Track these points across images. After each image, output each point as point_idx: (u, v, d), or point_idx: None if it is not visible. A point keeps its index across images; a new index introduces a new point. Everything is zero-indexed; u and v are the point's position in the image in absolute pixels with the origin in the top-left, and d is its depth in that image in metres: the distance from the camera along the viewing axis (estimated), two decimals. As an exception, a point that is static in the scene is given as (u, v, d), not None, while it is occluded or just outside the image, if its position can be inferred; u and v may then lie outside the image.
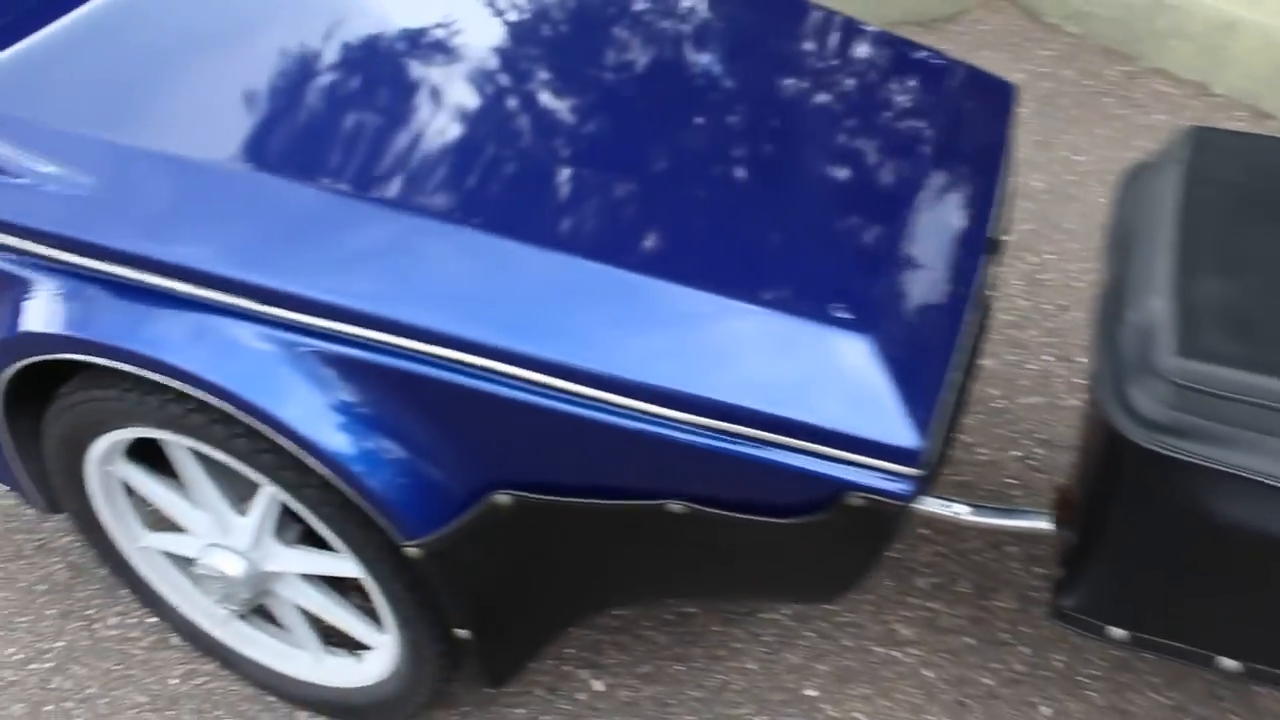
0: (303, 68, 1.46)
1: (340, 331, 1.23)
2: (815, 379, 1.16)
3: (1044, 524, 1.35)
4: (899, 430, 1.15)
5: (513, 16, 1.62)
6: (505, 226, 1.24)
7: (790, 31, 1.66)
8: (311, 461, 1.28)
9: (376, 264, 1.23)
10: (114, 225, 1.27)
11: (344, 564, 1.45)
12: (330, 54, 1.49)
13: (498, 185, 1.30)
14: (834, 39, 1.66)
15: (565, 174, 1.33)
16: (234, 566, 1.51)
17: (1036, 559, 1.95)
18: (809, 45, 1.63)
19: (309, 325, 1.23)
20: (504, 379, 1.20)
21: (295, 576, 1.57)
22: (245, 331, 1.25)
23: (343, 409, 1.25)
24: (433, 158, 1.33)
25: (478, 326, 1.19)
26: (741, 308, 1.19)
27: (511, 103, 1.44)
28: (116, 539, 1.65)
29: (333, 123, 1.37)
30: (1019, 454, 2.12)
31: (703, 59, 1.57)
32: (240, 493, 1.53)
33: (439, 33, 1.56)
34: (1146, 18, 3.00)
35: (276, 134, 1.35)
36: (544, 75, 1.50)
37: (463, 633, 1.38)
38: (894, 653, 1.81)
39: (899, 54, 1.64)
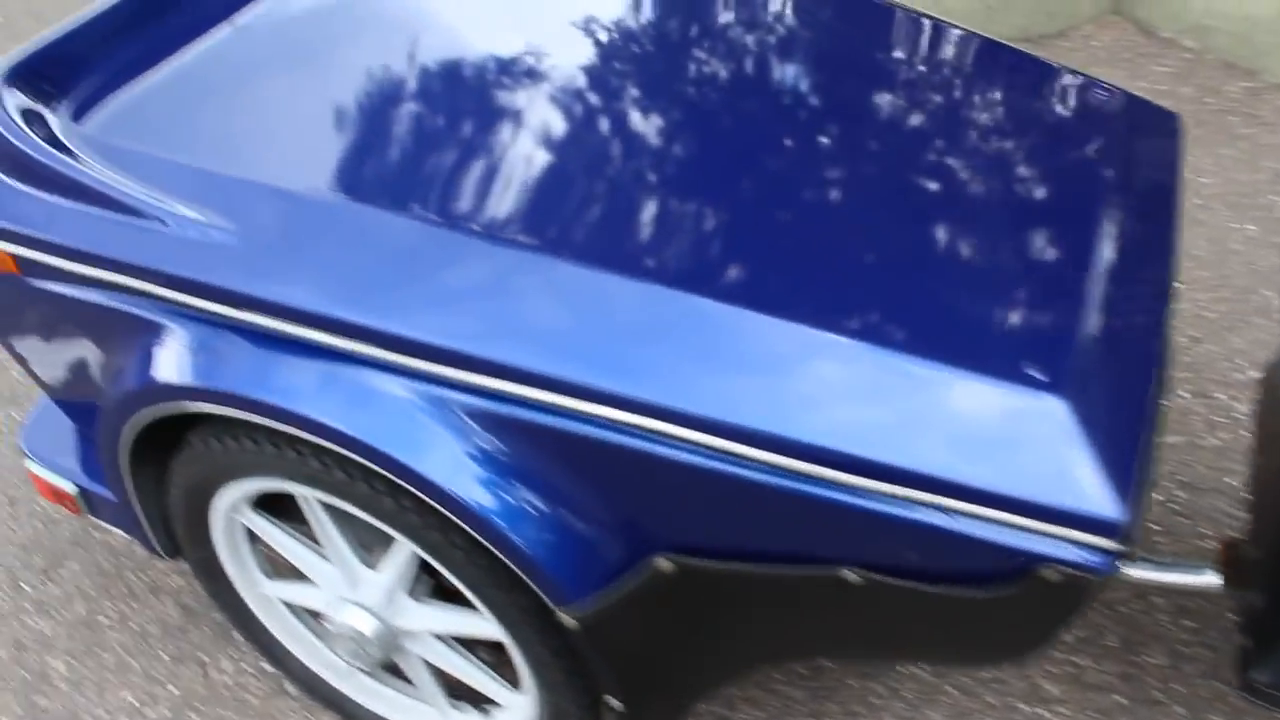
0: (423, 102, 1.42)
1: (486, 386, 1.17)
2: (1009, 445, 1.08)
3: (1212, 580, 1.25)
4: (1100, 501, 1.06)
5: (635, 45, 1.56)
6: (669, 277, 1.18)
7: (934, 55, 1.58)
8: (457, 520, 1.22)
9: (524, 314, 1.17)
10: (245, 269, 1.23)
11: (484, 624, 1.39)
12: (446, 87, 1.45)
13: (650, 230, 1.24)
14: (983, 64, 1.57)
15: (718, 215, 1.26)
16: (365, 624, 1.46)
17: (1186, 611, 1.84)
18: (959, 72, 1.55)
19: (452, 378, 1.18)
20: (665, 439, 1.14)
21: (426, 633, 1.51)
22: (384, 382, 1.19)
23: (491, 466, 1.19)
24: (576, 203, 1.27)
25: (636, 383, 1.13)
26: (927, 368, 1.10)
27: (653, 138, 1.37)
28: (237, 585, 1.61)
29: (459, 162, 1.32)
30: (1160, 497, 2.01)
31: (840, 83, 1.49)
32: (366, 541, 1.48)
33: (562, 61, 1.50)
34: (1272, 30, 2.87)
35: (411, 175, 1.30)
36: (676, 103, 1.43)
37: (614, 702, 1.32)
38: (1041, 711, 1.71)
39: (1057, 81, 1.54)
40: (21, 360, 1.55)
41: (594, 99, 1.44)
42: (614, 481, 1.19)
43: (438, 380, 1.18)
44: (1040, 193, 1.34)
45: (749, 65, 1.53)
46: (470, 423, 1.19)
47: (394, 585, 1.43)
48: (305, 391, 1.22)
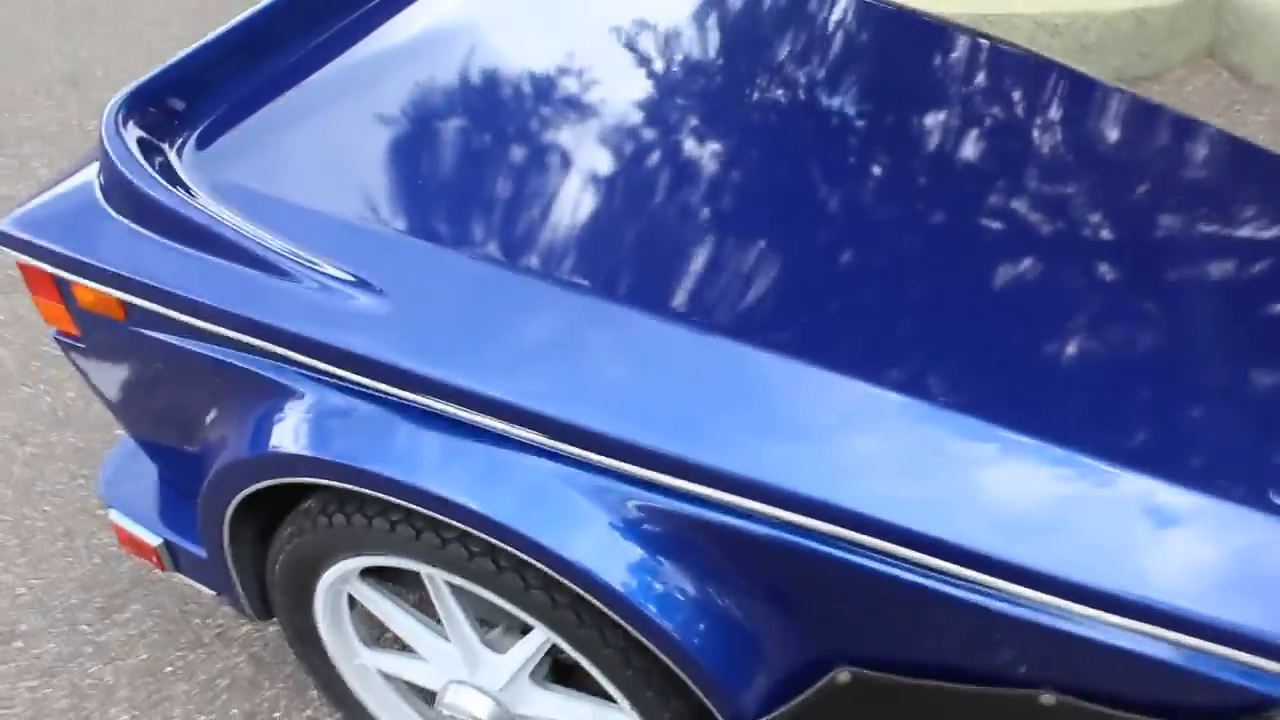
0: (579, 154, 1.32)
1: (639, 475, 1.07)
2: (1252, 577, 0.98)
3: None
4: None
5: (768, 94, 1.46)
6: (852, 366, 1.08)
7: (1075, 108, 1.47)
8: (609, 614, 1.11)
9: (678, 395, 1.07)
10: (391, 337, 1.12)
11: (620, 717, 1.29)
12: (604, 137, 1.35)
13: (820, 315, 1.14)
14: (1144, 125, 1.47)
15: (904, 295, 1.16)
16: (482, 709, 1.35)
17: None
18: (1122, 135, 1.45)
19: (602, 464, 1.08)
20: (845, 544, 1.03)
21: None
22: (525, 462, 1.10)
23: (648, 558, 1.09)
24: (714, 274, 1.18)
25: (812, 480, 1.02)
26: (1159, 487, 1.00)
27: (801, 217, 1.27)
28: (332, 654, 1.50)
29: (620, 231, 1.22)
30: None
31: (965, 128, 1.39)
32: (486, 616, 1.38)
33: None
34: (1375, 83, 2.77)
35: (567, 241, 1.20)
36: (784, 151, 1.34)
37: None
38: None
39: (1232, 149, 1.44)
40: (111, 403, 1.44)
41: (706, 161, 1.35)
42: (786, 585, 1.08)
43: (589, 466, 1.08)
44: (1246, 281, 1.24)
45: (853, 110, 1.43)
46: (627, 511, 1.09)
47: (520, 670, 1.33)
48: (437, 469, 1.12)
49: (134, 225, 1.23)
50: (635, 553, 1.09)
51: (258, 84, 1.37)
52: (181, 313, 1.20)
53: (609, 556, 1.08)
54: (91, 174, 1.30)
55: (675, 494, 1.06)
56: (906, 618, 1.06)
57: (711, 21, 1.59)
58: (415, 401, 1.12)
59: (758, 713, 1.12)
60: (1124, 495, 1.01)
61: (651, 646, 1.11)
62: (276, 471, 1.21)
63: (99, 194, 1.26)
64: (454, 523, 1.13)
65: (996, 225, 1.28)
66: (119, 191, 1.23)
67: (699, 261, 1.19)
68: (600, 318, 1.12)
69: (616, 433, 1.05)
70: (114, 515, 1.52)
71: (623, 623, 1.10)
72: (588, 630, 1.17)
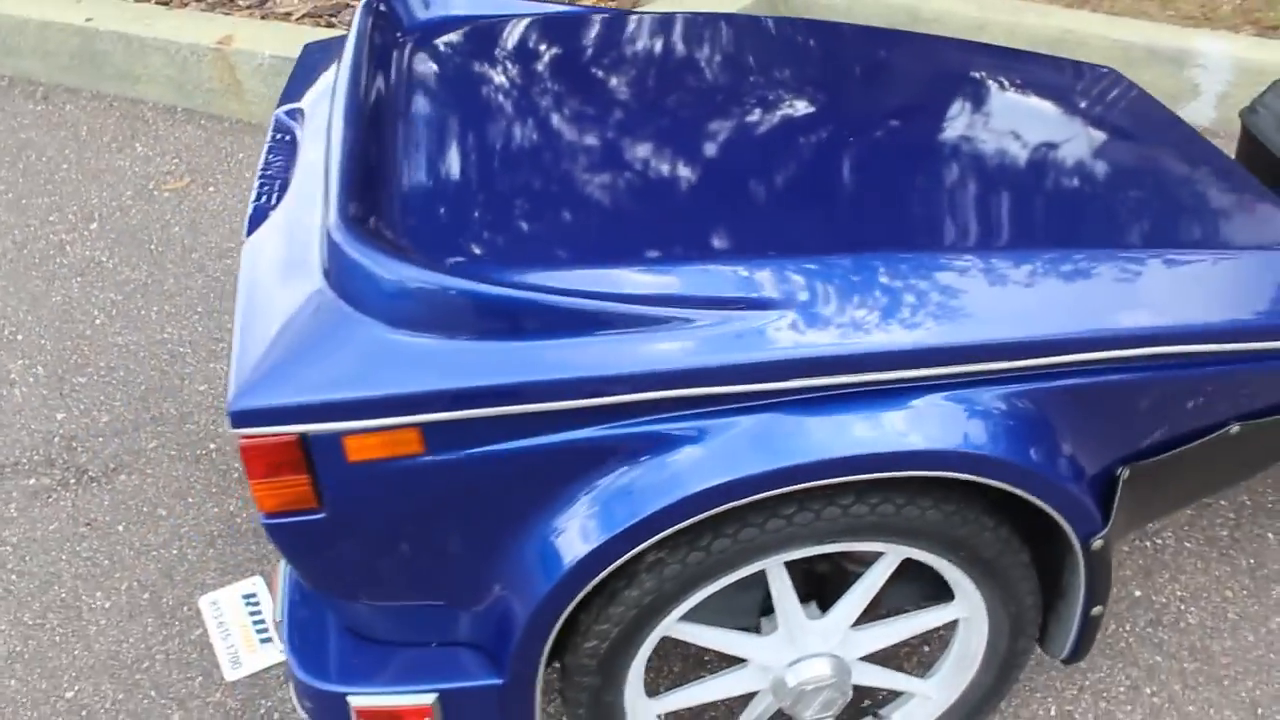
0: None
1: (1007, 369, 1.27)
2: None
3: None
4: None
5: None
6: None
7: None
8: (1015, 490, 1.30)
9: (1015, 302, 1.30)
10: (796, 338, 1.19)
11: (938, 615, 1.46)
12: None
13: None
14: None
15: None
16: (826, 667, 1.44)
17: None
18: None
19: (1006, 371, 1.27)
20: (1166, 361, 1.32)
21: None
22: (949, 397, 1.25)
23: (1035, 431, 1.29)
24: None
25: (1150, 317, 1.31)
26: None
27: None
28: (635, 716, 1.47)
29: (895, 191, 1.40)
30: None
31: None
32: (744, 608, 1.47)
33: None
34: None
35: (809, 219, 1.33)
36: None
37: (1097, 609, 1.45)
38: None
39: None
40: (345, 575, 1.26)
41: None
42: (1101, 416, 1.34)
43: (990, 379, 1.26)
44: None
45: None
46: (1011, 403, 1.28)
47: (848, 618, 1.43)
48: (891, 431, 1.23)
49: (433, 337, 1.12)
50: (1018, 428, 1.28)
51: (420, 165, 1.27)
52: (533, 403, 1.12)
53: (1011, 440, 1.27)
54: (315, 316, 1.14)
55: (1037, 374, 1.28)
56: (1161, 408, 1.37)
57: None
58: (828, 387, 1.20)
59: (1109, 529, 1.37)
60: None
61: (1028, 494, 1.31)
62: (696, 509, 1.20)
63: (363, 322, 1.12)
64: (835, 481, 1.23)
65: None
66: (406, 308, 1.11)
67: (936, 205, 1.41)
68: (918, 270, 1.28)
69: (993, 338, 1.24)
70: (360, 700, 1.31)
71: (1007, 486, 1.29)
72: (951, 528, 1.33)
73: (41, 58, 3.57)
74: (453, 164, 1.37)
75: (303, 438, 1.13)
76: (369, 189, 1.25)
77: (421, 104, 1.49)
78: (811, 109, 1.58)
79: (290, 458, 1.15)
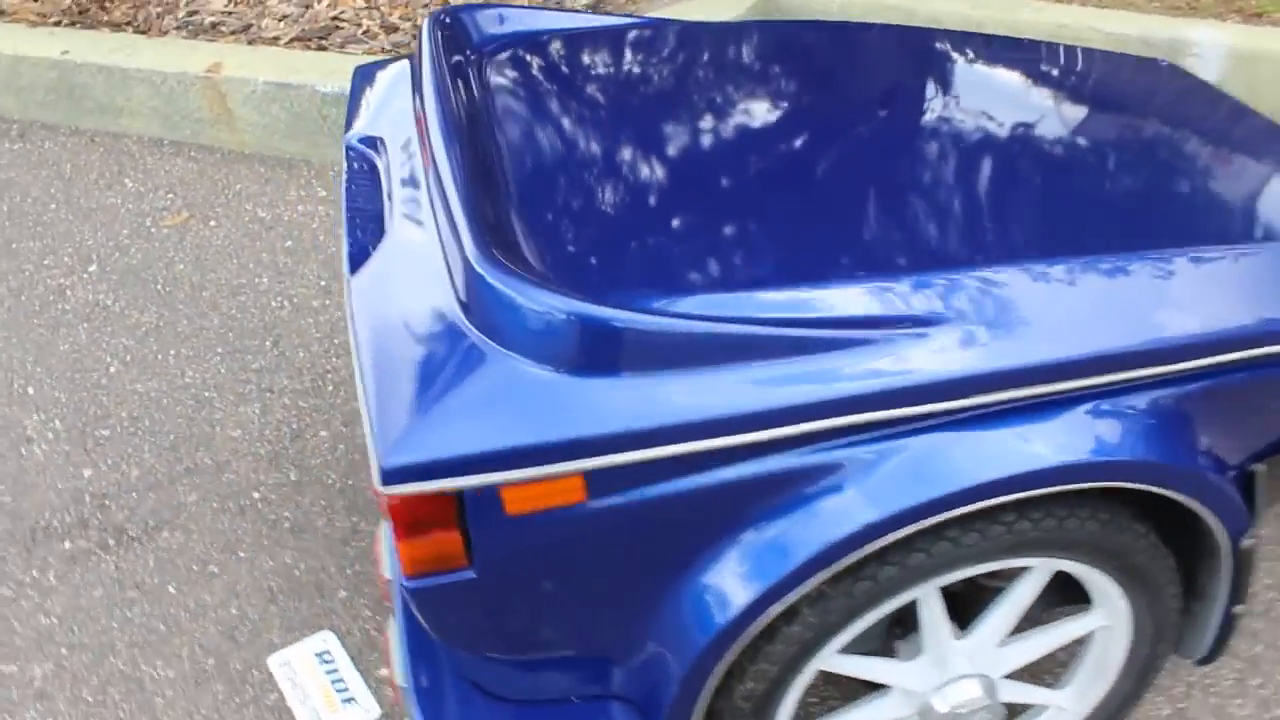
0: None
1: (1165, 372, 1.22)
2: None
3: None
4: None
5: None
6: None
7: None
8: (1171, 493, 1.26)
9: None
10: (974, 353, 1.13)
11: (1081, 624, 1.42)
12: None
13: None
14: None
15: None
16: (975, 688, 1.37)
17: None
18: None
19: (1164, 375, 1.22)
20: None
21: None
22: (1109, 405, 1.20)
23: (1188, 434, 1.25)
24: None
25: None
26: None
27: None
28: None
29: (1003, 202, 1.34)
30: None
31: None
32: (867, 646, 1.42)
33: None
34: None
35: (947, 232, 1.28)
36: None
37: (1239, 608, 1.41)
38: None
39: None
40: (489, 632, 1.18)
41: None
42: (1238, 414, 1.30)
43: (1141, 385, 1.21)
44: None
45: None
46: (1165, 407, 1.23)
47: (995, 636, 1.38)
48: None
49: (599, 375, 1.03)
50: (1176, 433, 1.24)
51: (537, 189, 1.19)
52: (711, 439, 1.05)
53: (1174, 445, 1.23)
54: (464, 358, 1.05)
55: (1189, 376, 1.23)
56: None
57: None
58: (1000, 402, 1.14)
59: (1253, 523, 1.32)
60: None
61: (1187, 497, 1.26)
62: (869, 540, 1.14)
63: (518, 362, 1.04)
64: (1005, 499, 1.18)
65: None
66: (567, 344, 1.02)
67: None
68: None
69: (1157, 341, 1.19)
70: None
71: (1170, 492, 1.25)
72: (1108, 538, 1.28)
73: (15, 93, 3.41)
74: (570, 186, 1.28)
75: (458, 492, 1.05)
76: (494, 216, 1.17)
77: (519, 124, 1.41)
78: (907, 116, 1.53)
79: (443, 514, 1.06)
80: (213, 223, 2.97)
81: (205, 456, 2.23)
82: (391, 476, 1.01)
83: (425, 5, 3.50)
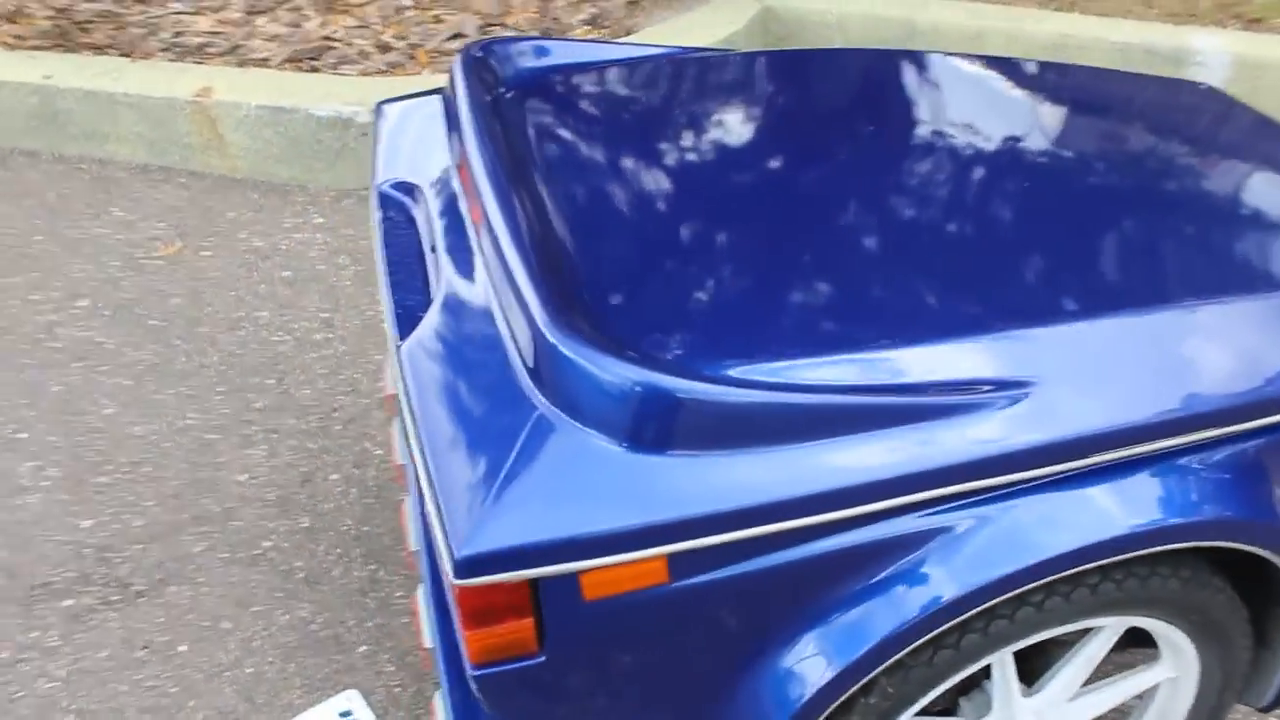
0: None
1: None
2: None
3: None
4: None
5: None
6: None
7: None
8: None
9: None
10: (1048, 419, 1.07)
11: (1153, 675, 1.37)
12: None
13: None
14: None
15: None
16: (1044, 745, 1.32)
17: None
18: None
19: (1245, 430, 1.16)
20: None
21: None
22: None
23: (1266, 487, 1.20)
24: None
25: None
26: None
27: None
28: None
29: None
30: None
31: None
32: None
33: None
34: None
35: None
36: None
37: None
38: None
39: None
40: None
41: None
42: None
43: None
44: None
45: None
46: (1241, 461, 1.17)
47: (1066, 693, 1.33)
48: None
49: (685, 452, 0.96)
50: (1255, 487, 1.19)
51: (594, 244, 1.12)
52: (805, 517, 0.98)
53: (1252, 500, 1.17)
54: (537, 435, 0.98)
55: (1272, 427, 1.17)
56: None
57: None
58: (1089, 465, 1.07)
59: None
60: None
61: (1267, 551, 1.21)
62: (957, 612, 1.09)
63: (595, 439, 0.96)
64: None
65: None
66: (650, 419, 0.95)
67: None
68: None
69: (1245, 394, 1.13)
70: None
71: (1252, 548, 1.19)
72: (1188, 595, 1.23)
73: (-6, 120, 3.29)
74: (632, 242, 1.21)
75: (534, 579, 0.97)
76: (559, 278, 1.09)
77: (568, 170, 1.33)
78: (973, 157, 1.46)
79: (518, 602, 0.98)
80: (206, 253, 2.87)
81: (211, 503, 2.14)
82: (467, 568, 0.93)
83: (419, 25, 3.41)
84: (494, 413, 1.02)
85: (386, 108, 1.61)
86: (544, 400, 1.01)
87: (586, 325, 1.02)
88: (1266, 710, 1.47)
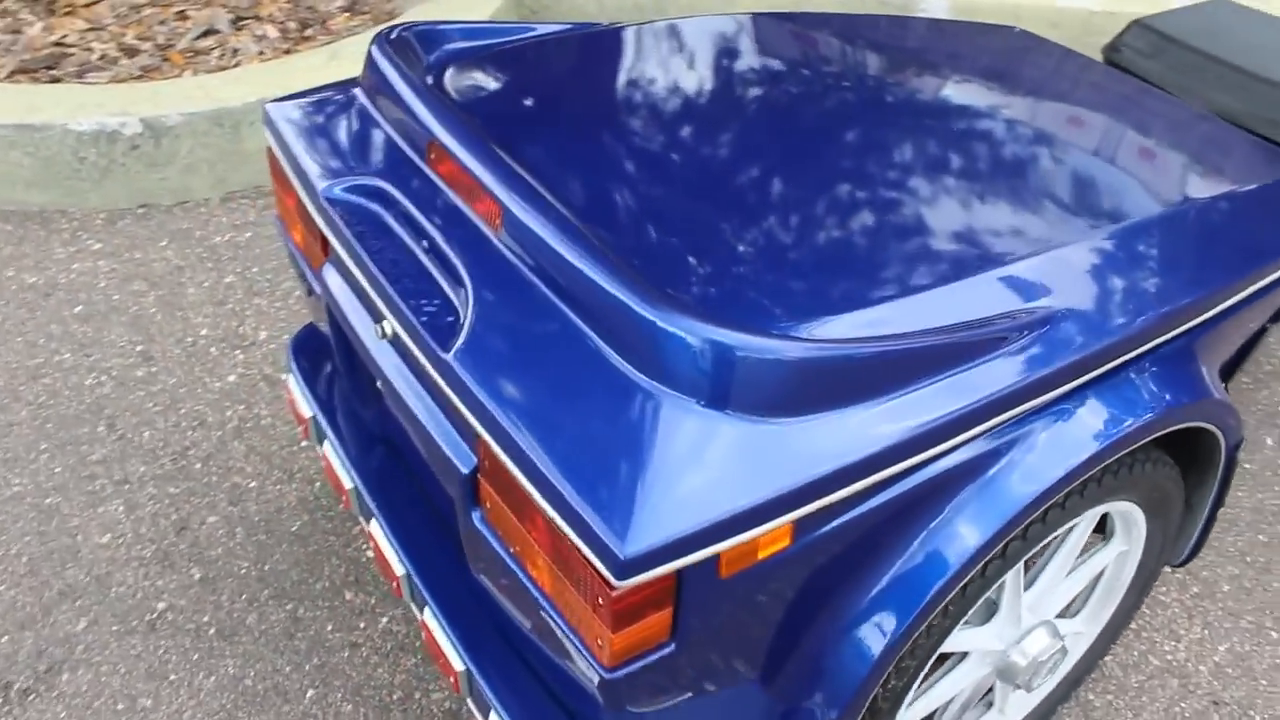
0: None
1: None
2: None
3: None
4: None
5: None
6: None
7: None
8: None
9: None
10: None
11: (1110, 551, 1.55)
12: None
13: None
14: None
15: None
16: (1045, 633, 1.46)
17: None
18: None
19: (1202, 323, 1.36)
20: None
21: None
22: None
23: (1209, 369, 1.40)
24: None
25: None
26: None
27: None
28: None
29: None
30: None
31: None
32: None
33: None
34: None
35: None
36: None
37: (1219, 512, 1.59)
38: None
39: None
40: (701, 683, 1.10)
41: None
42: (1224, 343, 1.46)
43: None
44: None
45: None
46: (1193, 351, 1.36)
47: (1054, 582, 1.47)
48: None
49: (798, 416, 0.98)
50: (1205, 366, 1.38)
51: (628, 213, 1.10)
52: (916, 455, 1.03)
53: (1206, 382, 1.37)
54: (657, 419, 0.96)
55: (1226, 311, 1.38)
56: None
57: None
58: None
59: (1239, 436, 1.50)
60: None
61: (1212, 424, 1.40)
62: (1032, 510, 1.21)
63: (712, 416, 0.96)
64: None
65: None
66: (766, 388, 0.96)
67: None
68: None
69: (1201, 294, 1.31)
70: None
71: (1204, 424, 1.38)
72: (1160, 476, 1.41)
73: None
74: (650, 213, 1.20)
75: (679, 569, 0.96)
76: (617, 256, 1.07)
77: (545, 151, 1.29)
78: (969, 108, 1.57)
79: (663, 595, 0.97)
80: (-32, 297, 2.50)
81: (77, 573, 1.90)
82: (632, 568, 0.91)
83: (162, 24, 3.11)
84: (603, 406, 0.99)
85: (277, 109, 1.48)
86: (657, 384, 0.99)
87: (673, 297, 1.01)
88: (1181, 565, 1.69)
